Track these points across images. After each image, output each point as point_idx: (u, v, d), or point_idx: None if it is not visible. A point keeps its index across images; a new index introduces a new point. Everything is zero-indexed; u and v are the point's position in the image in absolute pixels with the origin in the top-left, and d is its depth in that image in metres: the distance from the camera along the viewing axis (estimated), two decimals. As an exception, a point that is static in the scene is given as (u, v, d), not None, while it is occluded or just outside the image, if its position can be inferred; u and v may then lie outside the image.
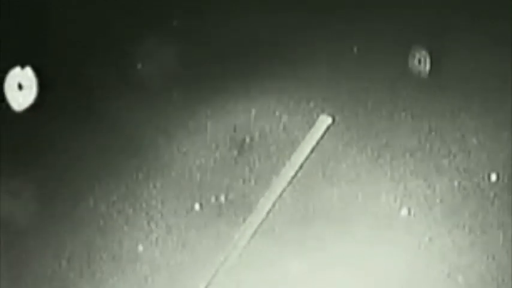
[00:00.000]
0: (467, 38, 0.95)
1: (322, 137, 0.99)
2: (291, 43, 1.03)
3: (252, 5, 1.05)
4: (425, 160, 0.97)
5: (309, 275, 0.99)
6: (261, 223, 1.00)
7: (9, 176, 1.12)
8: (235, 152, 1.03)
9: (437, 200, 0.96)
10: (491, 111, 0.95)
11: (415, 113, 0.97)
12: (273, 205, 1.00)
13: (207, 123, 1.05)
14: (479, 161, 0.95)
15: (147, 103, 1.08)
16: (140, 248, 1.06)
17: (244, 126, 1.03)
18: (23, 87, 1.10)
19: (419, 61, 0.96)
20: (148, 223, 1.06)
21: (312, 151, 0.99)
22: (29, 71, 1.10)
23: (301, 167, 0.99)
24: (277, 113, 1.02)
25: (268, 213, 1.01)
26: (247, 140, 1.03)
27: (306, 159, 0.99)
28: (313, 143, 0.99)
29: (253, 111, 1.03)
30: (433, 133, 0.96)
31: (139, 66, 1.09)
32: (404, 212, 0.97)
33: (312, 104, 1.01)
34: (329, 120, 0.99)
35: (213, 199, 1.03)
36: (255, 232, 1.01)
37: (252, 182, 1.02)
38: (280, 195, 1.00)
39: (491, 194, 0.94)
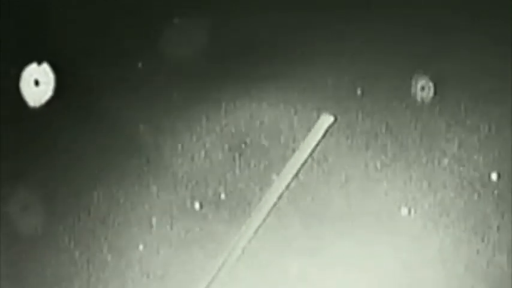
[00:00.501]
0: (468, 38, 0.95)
1: (323, 136, 0.99)
2: (291, 43, 1.02)
3: (252, 4, 1.04)
4: (426, 159, 0.97)
5: (310, 275, 0.99)
6: (262, 222, 1.00)
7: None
8: (235, 152, 1.03)
9: (438, 200, 0.96)
10: (491, 110, 0.95)
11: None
12: (274, 205, 1.00)
13: (207, 122, 1.05)
14: (479, 160, 0.95)
15: (148, 103, 1.08)
16: (141, 247, 1.06)
17: (244, 125, 1.03)
18: (39, 84, 1.09)
19: (423, 88, 0.96)
20: (149, 222, 1.06)
21: (313, 150, 0.99)
22: (46, 67, 1.09)
23: (303, 165, 0.99)
24: (277, 113, 1.02)
25: (269, 212, 1.01)
26: (248, 139, 1.03)
27: (308, 158, 0.99)
28: (315, 142, 0.99)
29: (254, 111, 1.03)
30: (433, 133, 0.97)
31: (139, 65, 1.09)
32: (404, 211, 0.97)
33: (312, 104, 1.01)
34: (331, 119, 0.99)
35: (213, 198, 1.03)
36: (256, 232, 1.01)
37: (253, 181, 1.02)
38: (282, 194, 1.00)
39: (492, 193, 0.94)
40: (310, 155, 0.99)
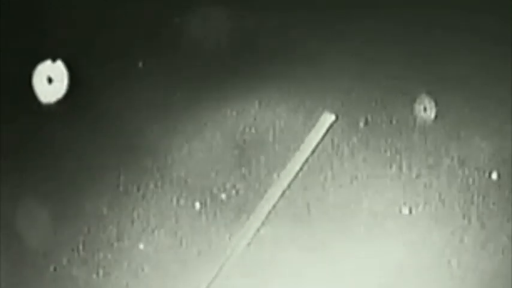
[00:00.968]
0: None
1: (325, 134, 0.99)
2: (292, 43, 1.03)
3: (252, 4, 1.05)
4: (427, 159, 0.97)
5: (311, 274, 0.99)
6: (263, 222, 1.00)
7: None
8: (236, 151, 1.03)
9: (438, 199, 0.96)
10: (491, 109, 0.95)
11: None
12: (276, 203, 1.00)
13: (208, 122, 1.05)
14: (480, 159, 0.95)
15: (149, 102, 1.08)
16: (141, 246, 1.06)
17: (245, 125, 1.03)
18: (52, 81, 1.09)
19: (425, 109, 0.96)
20: (150, 221, 1.06)
21: (315, 148, 0.99)
22: (60, 65, 1.09)
23: (304, 164, 0.99)
24: (278, 113, 1.02)
25: (270, 211, 1.00)
26: (249, 139, 1.03)
27: (309, 156, 0.99)
28: (317, 140, 0.99)
29: (254, 111, 1.03)
30: (433, 132, 0.97)
31: (140, 64, 1.09)
32: (405, 210, 0.97)
33: (312, 104, 1.01)
34: (332, 117, 0.99)
35: (214, 198, 1.03)
36: (257, 231, 1.01)
37: (254, 180, 1.02)
38: (283, 193, 1.00)
39: (493, 193, 0.94)
40: (312, 153, 0.99)
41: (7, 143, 1.11)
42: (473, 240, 0.94)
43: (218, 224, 1.03)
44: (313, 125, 1.00)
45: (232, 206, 1.03)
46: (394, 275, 0.96)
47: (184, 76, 1.06)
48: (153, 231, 1.05)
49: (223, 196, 1.03)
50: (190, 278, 1.03)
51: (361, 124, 0.99)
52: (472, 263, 0.94)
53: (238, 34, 1.05)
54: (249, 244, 1.01)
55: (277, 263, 1.00)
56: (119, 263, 1.06)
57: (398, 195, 0.97)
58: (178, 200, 1.05)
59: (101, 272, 1.07)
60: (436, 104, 0.97)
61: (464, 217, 0.95)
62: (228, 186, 1.03)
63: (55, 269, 1.09)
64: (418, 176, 0.97)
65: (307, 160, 1.00)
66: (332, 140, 0.99)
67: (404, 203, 0.97)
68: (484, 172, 0.95)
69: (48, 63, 1.10)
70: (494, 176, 0.94)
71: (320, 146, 1.00)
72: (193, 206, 1.04)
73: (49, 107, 1.10)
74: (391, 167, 0.98)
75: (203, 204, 1.04)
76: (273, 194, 1.00)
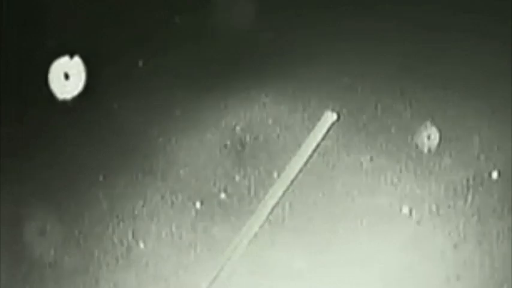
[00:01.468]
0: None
1: (326, 133, 0.99)
2: (292, 42, 1.03)
3: (252, 4, 1.05)
4: (427, 158, 0.97)
5: (311, 274, 0.99)
6: (264, 221, 1.00)
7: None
8: (237, 151, 1.03)
9: (439, 199, 0.96)
10: (492, 108, 0.95)
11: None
12: (277, 203, 1.00)
13: (208, 122, 1.05)
14: (480, 158, 0.95)
15: (149, 102, 1.08)
16: (141, 245, 1.05)
17: (245, 125, 1.03)
18: (69, 77, 1.09)
19: (428, 137, 0.96)
20: (150, 221, 1.06)
21: (316, 147, 0.99)
22: (77, 61, 1.09)
23: (306, 163, 0.99)
24: (278, 112, 1.02)
25: (271, 211, 1.00)
26: (249, 138, 1.03)
27: (311, 155, 0.99)
28: (318, 139, 0.99)
29: (255, 110, 1.03)
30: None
31: (140, 64, 1.09)
32: (405, 210, 0.97)
33: (313, 104, 1.01)
34: (334, 116, 0.99)
35: (214, 197, 1.03)
36: (259, 230, 1.01)
37: (255, 180, 1.02)
38: (284, 193, 1.00)
39: (493, 192, 0.94)
40: (314, 152, 0.99)
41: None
42: (474, 240, 0.94)
43: (218, 224, 1.03)
44: (315, 124, 1.00)
45: (232, 205, 1.03)
46: (395, 275, 0.96)
47: (184, 76, 1.06)
48: (153, 231, 1.05)
49: (224, 196, 1.03)
50: (190, 278, 1.03)
51: (363, 124, 0.99)
52: (472, 262, 0.94)
53: (238, 34, 1.05)
54: (249, 244, 1.01)
55: (278, 263, 1.00)
56: (119, 263, 1.06)
57: (398, 194, 0.97)
58: (178, 200, 1.05)
59: (101, 272, 1.07)
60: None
61: (464, 217, 0.95)
62: (228, 185, 1.03)
63: (55, 269, 1.09)
64: (418, 176, 0.97)
65: (309, 159, 1.00)
66: (333, 140, 0.99)
67: (405, 203, 0.97)
68: (484, 172, 0.95)
69: (65, 59, 1.10)
70: (494, 175, 0.94)
71: (321, 146, 1.00)
72: (193, 205, 1.04)
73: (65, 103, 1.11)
74: (391, 166, 0.98)
75: (203, 204, 1.04)
76: (274, 193, 1.00)
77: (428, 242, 0.96)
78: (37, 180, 1.11)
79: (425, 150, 0.96)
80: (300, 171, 1.00)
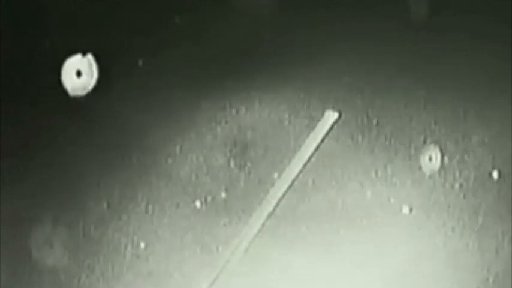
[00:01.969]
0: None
1: (328, 132, 0.99)
2: (292, 42, 1.03)
3: (252, 4, 1.05)
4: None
5: (312, 273, 0.99)
6: (265, 221, 1.00)
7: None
8: (237, 150, 1.03)
9: (439, 198, 0.96)
10: (492, 108, 0.95)
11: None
12: (278, 203, 1.00)
13: (208, 121, 1.05)
14: (480, 158, 0.95)
15: (149, 102, 1.08)
16: (142, 245, 1.05)
17: (246, 124, 1.03)
18: (81, 74, 1.09)
19: (430, 158, 0.96)
20: (151, 220, 1.06)
21: (318, 146, 0.99)
22: (90, 58, 1.09)
23: (307, 162, 0.99)
24: (278, 112, 1.02)
25: (272, 211, 1.00)
26: (249, 138, 1.03)
27: (312, 154, 0.99)
28: (320, 138, 0.99)
29: (255, 110, 1.03)
30: (435, 131, 0.97)
31: (140, 63, 1.08)
32: (405, 209, 0.97)
33: (313, 103, 1.01)
34: (335, 115, 0.99)
35: (214, 197, 1.03)
36: (260, 230, 1.01)
37: (255, 180, 1.02)
38: (285, 193, 1.00)
39: (493, 192, 0.94)
40: (315, 151, 0.99)
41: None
42: (474, 241, 0.94)
43: (219, 224, 1.03)
44: (315, 124, 1.00)
45: (233, 205, 1.03)
46: (395, 275, 0.96)
47: (185, 76, 1.06)
48: (153, 230, 1.05)
49: (224, 196, 1.03)
50: (190, 277, 1.03)
51: (363, 123, 0.99)
52: (472, 262, 0.94)
53: (238, 34, 1.05)
54: (250, 244, 1.01)
55: (278, 263, 1.00)
56: (119, 262, 1.06)
57: (399, 194, 0.97)
58: (178, 199, 1.05)
59: (102, 271, 1.07)
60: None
61: (464, 216, 0.95)
62: (228, 185, 1.03)
63: (55, 269, 1.09)
64: (418, 175, 0.97)
65: (309, 159, 1.00)
66: (333, 140, 0.99)
67: (405, 203, 0.97)
68: (484, 171, 0.95)
69: (78, 57, 1.10)
70: (494, 175, 0.94)
71: (321, 146, 1.00)
72: (193, 205, 1.04)
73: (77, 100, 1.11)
74: (392, 165, 0.98)
75: (203, 204, 1.04)
76: (275, 193, 1.00)
77: (428, 242, 0.96)
78: (37, 180, 1.11)
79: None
80: (301, 171, 1.00)
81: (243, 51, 1.05)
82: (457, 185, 0.95)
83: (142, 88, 1.08)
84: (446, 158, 0.96)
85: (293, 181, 1.00)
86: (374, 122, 0.98)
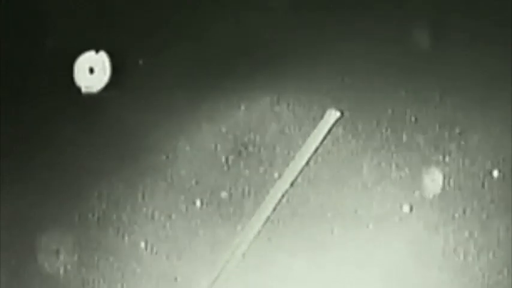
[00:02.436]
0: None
1: (330, 131, 0.99)
2: (292, 43, 1.03)
3: (252, 4, 1.05)
4: (427, 157, 0.97)
5: (312, 273, 0.99)
6: (265, 221, 1.00)
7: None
8: (237, 151, 1.03)
9: (439, 197, 0.96)
10: (492, 107, 0.95)
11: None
12: (277, 203, 1.00)
13: (209, 121, 1.05)
14: (480, 157, 0.95)
15: (150, 103, 1.08)
16: (142, 245, 1.05)
17: (246, 124, 1.03)
18: (94, 71, 1.09)
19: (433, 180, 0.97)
20: (151, 221, 1.06)
21: (320, 145, 0.99)
22: (103, 55, 1.09)
23: (308, 162, 1.00)
24: (278, 112, 1.02)
25: (272, 211, 1.00)
26: (250, 138, 1.03)
27: (314, 153, 0.99)
28: (321, 137, 0.99)
29: (255, 110, 1.03)
30: (435, 130, 0.97)
31: (140, 62, 1.09)
32: (406, 209, 0.97)
33: (313, 103, 1.01)
34: (337, 114, 0.99)
35: (214, 197, 1.03)
36: (260, 230, 1.01)
37: (255, 180, 1.02)
38: (286, 192, 1.00)
39: (493, 191, 0.94)
40: (317, 150, 0.99)
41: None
42: (474, 240, 0.94)
43: (219, 224, 1.03)
44: (316, 124, 1.00)
45: (233, 205, 1.03)
46: (395, 273, 0.96)
47: (185, 76, 1.06)
48: (154, 230, 1.05)
49: (224, 196, 1.03)
50: (191, 277, 1.03)
51: (364, 123, 0.99)
52: (472, 262, 0.94)
53: (239, 34, 1.05)
54: (250, 244, 1.01)
55: (278, 263, 1.00)
56: (119, 262, 1.06)
57: (399, 194, 0.97)
58: (178, 200, 1.05)
59: (102, 271, 1.07)
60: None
61: (465, 216, 0.95)
62: (229, 185, 1.03)
63: (55, 269, 1.09)
64: (419, 174, 0.97)
65: (310, 158, 1.00)
66: (334, 140, 1.00)
67: (405, 202, 0.97)
68: (484, 170, 0.95)
69: (91, 53, 1.10)
70: (495, 174, 0.94)
71: (321, 146, 1.00)
72: (194, 205, 1.04)
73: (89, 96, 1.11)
74: (392, 165, 0.98)
75: (203, 204, 1.04)
76: (275, 193, 1.00)
77: (429, 242, 0.95)
78: (37, 180, 1.11)
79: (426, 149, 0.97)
80: (301, 171, 1.00)
81: (243, 51, 1.05)
82: (457, 185, 0.95)
83: (142, 88, 1.08)
84: (446, 158, 0.96)
85: (293, 182, 1.00)
86: (374, 122, 0.98)
